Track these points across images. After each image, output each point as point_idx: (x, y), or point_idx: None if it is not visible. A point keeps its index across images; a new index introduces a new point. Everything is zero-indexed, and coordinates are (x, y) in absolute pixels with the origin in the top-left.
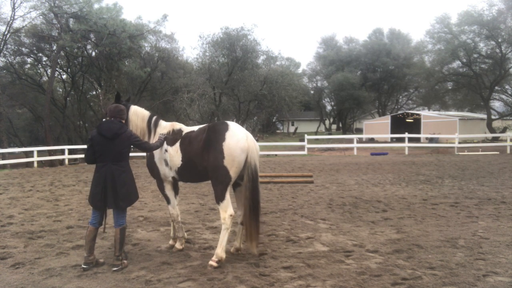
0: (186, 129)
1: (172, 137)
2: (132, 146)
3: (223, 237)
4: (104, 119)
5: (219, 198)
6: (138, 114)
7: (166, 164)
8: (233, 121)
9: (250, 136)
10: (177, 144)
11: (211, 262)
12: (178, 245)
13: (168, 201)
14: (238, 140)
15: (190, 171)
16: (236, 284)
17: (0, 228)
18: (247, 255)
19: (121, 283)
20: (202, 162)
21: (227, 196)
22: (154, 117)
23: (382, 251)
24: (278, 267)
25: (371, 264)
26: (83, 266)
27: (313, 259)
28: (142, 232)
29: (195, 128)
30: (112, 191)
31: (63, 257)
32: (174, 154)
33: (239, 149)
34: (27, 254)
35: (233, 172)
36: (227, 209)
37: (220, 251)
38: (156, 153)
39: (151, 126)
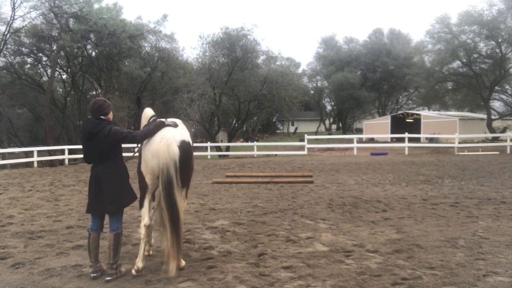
0: None
1: None
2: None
3: (140, 246)
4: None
5: (139, 205)
6: (145, 116)
7: None
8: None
9: (168, 138)
10: None
11: (132, 271)
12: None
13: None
14: (150, 143)
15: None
16: (236, 284)
17: (0, 228)
18: (247, 255)
19: (121, 283)
20: None
21: (145, 204)
22: (153, 118)
23: (382, 251)
24: (278, 267)
25: (371, 264)
26: (92, 275)
27: (313, 259)
28: None
29: None
30: (100, 194)
31: (63, 257)
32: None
33: (150, 154)
34: (27, 254)
35: (148, 179)
36: (144, 218)
37: (137, 260)
38: None
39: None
